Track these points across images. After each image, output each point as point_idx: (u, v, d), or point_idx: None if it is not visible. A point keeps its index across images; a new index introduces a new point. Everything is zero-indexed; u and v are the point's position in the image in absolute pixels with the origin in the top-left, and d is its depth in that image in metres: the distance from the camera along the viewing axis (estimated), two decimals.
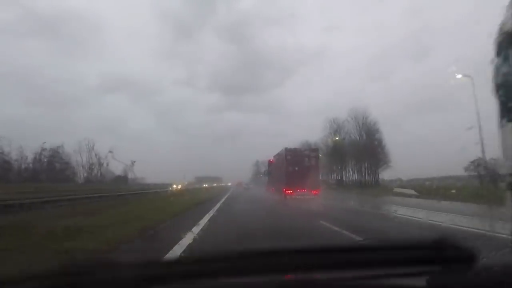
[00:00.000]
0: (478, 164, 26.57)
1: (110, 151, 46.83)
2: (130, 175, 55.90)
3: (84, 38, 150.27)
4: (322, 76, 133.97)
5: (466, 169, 29.18)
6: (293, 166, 22.13)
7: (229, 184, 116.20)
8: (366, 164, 49.20)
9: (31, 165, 45.38)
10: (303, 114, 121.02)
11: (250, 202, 20.42)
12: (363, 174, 50.11)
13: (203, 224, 8.82)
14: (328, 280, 0.94)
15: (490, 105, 3.44)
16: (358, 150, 47.87)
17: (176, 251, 5.19)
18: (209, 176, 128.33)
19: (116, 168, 55.03)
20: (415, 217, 11.03)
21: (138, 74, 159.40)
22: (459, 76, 36.31)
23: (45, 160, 47.02)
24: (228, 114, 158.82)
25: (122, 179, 51.89)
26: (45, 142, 45.64)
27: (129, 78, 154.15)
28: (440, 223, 9.07)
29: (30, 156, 44.37)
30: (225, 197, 26.26)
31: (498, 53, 3.70)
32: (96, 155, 51.43)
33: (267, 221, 10.08)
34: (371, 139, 48.15)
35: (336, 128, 51.59)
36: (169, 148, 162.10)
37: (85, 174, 51.27)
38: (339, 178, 53.07)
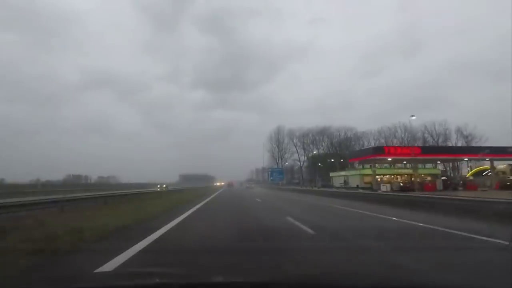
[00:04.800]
0: None
1: None
2: None
3: (61, 31, 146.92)
4: (311, 73, 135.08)
5: None
6: None
7: (220, 183, 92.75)
8: None
9: None
10: (293, 112, 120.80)
11: None
12: None
13: None
14: None
15: None
16: None
17: None
18: (197, 174, 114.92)
19: None
20: None
21: (118, 70, 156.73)
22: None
23: None
24: (216, 112, 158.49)
25: None
26: None
27: (110, 74, 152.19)
28: None
29: None
30: None
31: None
32: None
33: None
34: None
35: None
36: (155, 146, 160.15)
37: None
38: None
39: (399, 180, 41.37)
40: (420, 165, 46.94)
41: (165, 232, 7.29)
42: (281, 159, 72.43)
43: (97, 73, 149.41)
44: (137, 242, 5.77)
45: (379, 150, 39.92)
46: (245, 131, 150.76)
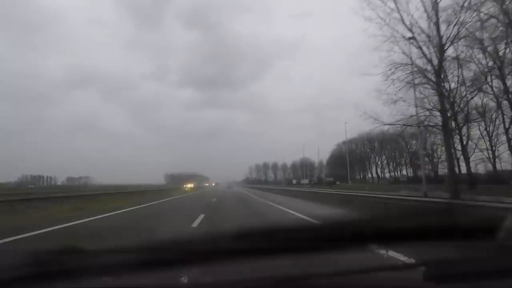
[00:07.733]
0: None
1: None
2: None
3: (44, 28, 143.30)
4: (301, 70, 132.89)
5: None
6: None
7: (200, 185, 78.66)
8: None
9: None
10: (285, 111, 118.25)
11: None
12: None
13: None
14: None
15: None
16: None
17: None
18: (187, 174, 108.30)
19: None
20: None
21: (102, 69, 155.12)
22: None
23: None
24: (206, 111, 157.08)
25: None
26: None
27: (93, 73, 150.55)
28: None
29: None
30: None
31: None
32: None
33: None
34: None
35: None
36: (143, 146, 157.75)
37: None
38: None
39: None
40: None
41: None
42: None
43: (80, 71, 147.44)
44: None
45: None
46: (237, 130, 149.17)
